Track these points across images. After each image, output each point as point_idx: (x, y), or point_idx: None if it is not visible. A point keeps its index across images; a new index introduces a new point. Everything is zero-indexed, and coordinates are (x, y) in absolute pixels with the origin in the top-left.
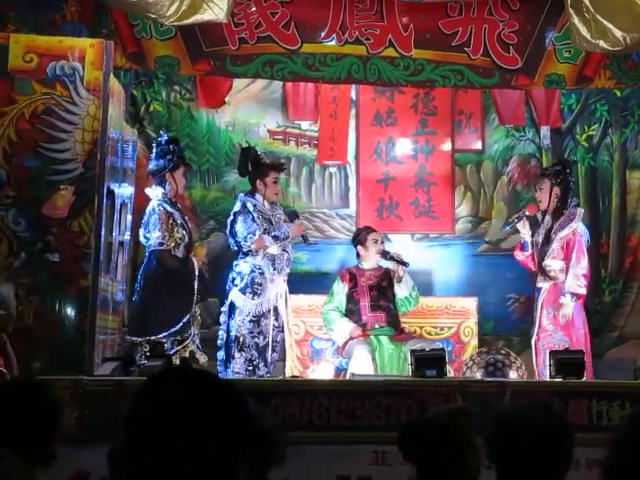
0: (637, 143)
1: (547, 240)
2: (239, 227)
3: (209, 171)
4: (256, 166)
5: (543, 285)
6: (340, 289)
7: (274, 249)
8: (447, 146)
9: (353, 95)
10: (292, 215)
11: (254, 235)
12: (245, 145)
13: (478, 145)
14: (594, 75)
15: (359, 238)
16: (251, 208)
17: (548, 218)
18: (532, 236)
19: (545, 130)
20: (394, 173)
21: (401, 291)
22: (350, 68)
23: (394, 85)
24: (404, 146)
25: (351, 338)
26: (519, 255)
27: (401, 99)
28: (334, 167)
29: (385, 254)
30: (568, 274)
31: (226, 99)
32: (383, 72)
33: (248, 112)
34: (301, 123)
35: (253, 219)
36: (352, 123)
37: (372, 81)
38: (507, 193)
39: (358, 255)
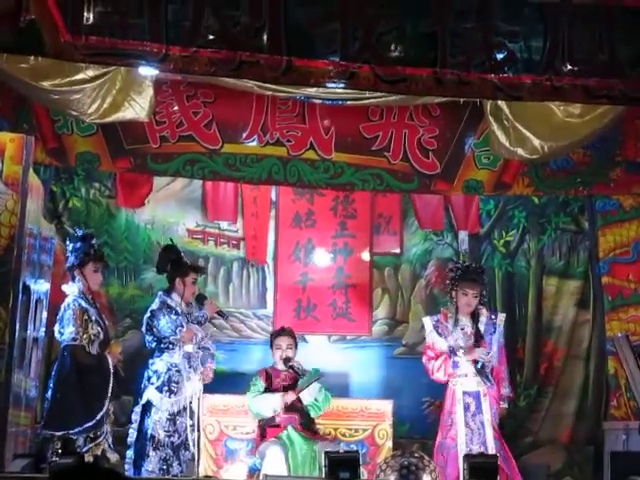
0: (554, 250)
1: (478, 344)
2: (163, 323)
3: (127, 268)
4: (177, 265)
5: (481, 389)
6: (259, 385)
7: (189, 347)
8: (366, 249)
9: (273, 196)
10: (201, 298)
11: (183, 327)
12: (168, 242)
13: (396, 248)
14: (512, 182)
15: (270, 340)
16: (173, 304)
17: (466, 321)
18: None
19: (463, 235)
20: (312, 275)
21: (305, 398)
22: (271, 169)
23: (314, 187)
24: (323, 248)
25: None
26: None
27: (321, 201)
28: (254, 266)
29: (286, 361)
30: (504, 380)
31: (146, 201)
32: (303, 174)
33: (167, 211)
34: (220, 223)
35: (176, 313)
36: (271, 224)
37: (292, 182)
38: (424, 296)
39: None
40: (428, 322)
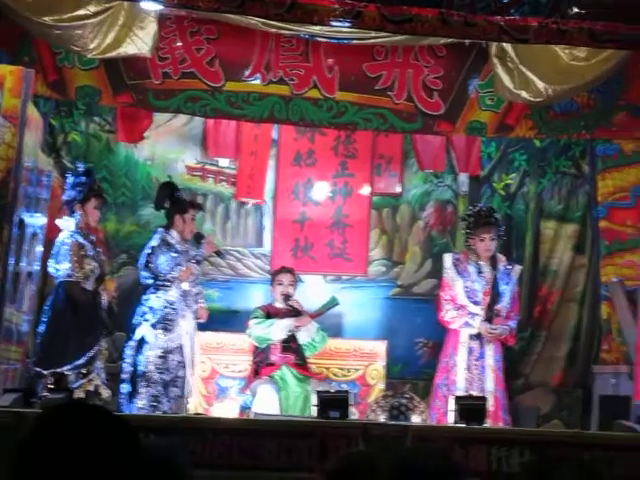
0: (553, 194)
1: (497, 292)
2: (162, 261)
3: (124, 204)
4: (176, 202)
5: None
6: (261, 316)
7: (186, 285)
8: (365, 189)
9: (274, 134)
10: (198, 236)
11: (181, 265)
12: (167, 179)
13: (396, 189)
14: (515, 124)
15: (271, 277)
16: (172, 241)
17: (486, 267)
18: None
19: (463, 177)
20: (311, 214)
21: (302, 337)
22: (273, 108)
23: (316, 126)
24: (322, 188)
25: (298, 327)
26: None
27: (322, 140)
28: (250, 205)
29: (286, 298)
30: (512, 321)
31: (145, 135)
32: (306, 113)
33: (167, 147)
34: (220, 160)
35: (176, 251)
36: (272, 162)
37: (294, 121)
38: (422, 238)
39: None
40: (448, 258)
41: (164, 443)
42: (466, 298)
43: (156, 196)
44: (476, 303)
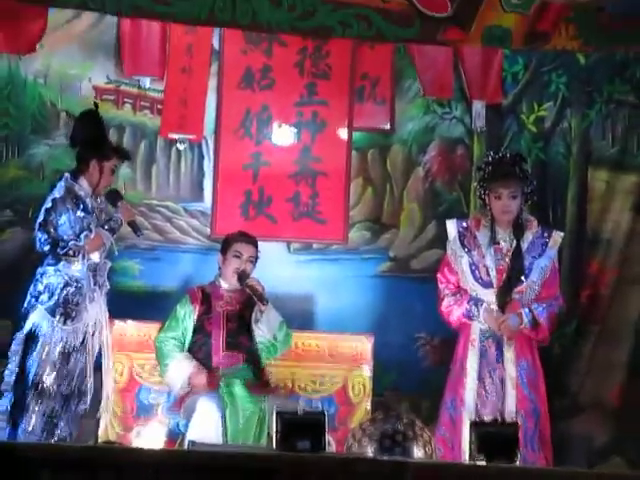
0: (605, 131)
1: (520, 268)
2: (63, 220)
3: (8, 140)
4: (96, 142)
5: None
6: (186, 313)
7: (96, 256)
8: (343, 122)
9: (216, 44)
10: (113, 196)
11: (90, 232)
12: (89, 107)
13: (385, 123)
14: (552, 31)
15: (224, 244)
16: (82, 194)
17: (504, 235)
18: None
19: (479, 107)
20: (268, 157)
21: (261, 333)
22: (213, 4)
23: (273, 32)
24: (283, 119)
25: (191, 388)
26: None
27: (282, 54)
28: (184, 143)
29: (242, 278)
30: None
31: (38, 45)
32: (259, 13)
33: (67, 59)
34: (141, 79)
35: (85, 210)
36: (212, 83)
37: (243, 24)
38: (422, 191)
39: (220, 268)
40: (452, 227)
41: None
42: (472, 278)
43: (73, 131)
44: (486, 285)
